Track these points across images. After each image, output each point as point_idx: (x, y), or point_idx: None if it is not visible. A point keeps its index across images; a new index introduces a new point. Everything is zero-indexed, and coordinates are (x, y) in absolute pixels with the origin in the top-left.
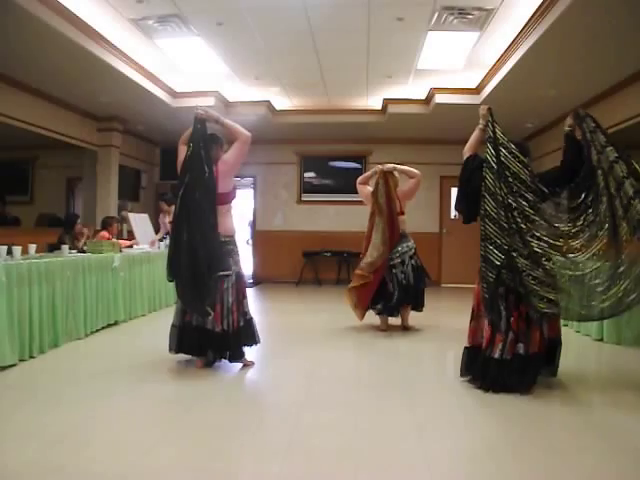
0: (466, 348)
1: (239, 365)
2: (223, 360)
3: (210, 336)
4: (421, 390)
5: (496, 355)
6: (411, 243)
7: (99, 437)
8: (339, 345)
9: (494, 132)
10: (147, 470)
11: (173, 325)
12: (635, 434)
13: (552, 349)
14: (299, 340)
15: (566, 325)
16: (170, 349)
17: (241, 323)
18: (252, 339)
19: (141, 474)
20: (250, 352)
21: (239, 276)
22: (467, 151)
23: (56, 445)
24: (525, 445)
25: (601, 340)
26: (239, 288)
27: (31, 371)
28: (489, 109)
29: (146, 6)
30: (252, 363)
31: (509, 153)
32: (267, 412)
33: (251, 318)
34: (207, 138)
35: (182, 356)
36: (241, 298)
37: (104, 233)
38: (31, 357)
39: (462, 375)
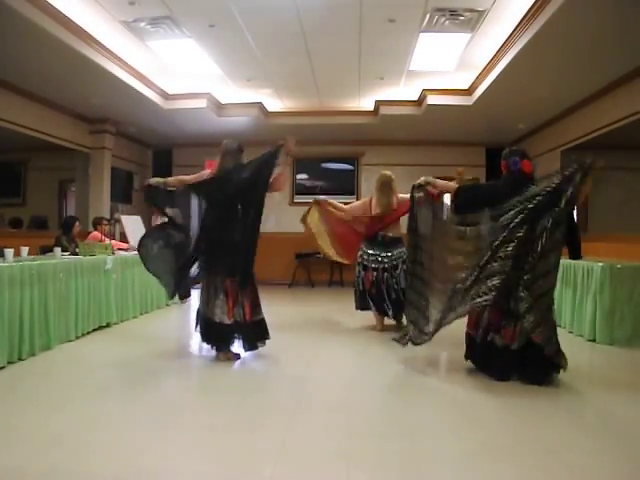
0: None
1: (233, 366)
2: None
3: (242, 327)
4: (415, 390)
5: (514, 346)
6: (404, 249)
7: (92, 439)
8: (332, 346)
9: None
10: (140, 471)
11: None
12: (629, 434)
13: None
14: (292, 341)
15: (559, 325)
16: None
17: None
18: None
19: (134, 475)
20: (246, 352)
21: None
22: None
23: (49, 447)
24: (520, 445)
25: (593, 340)
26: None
27: (21, 373)
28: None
29: (138, 8)
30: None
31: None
32: (260, 413)
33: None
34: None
35: (174, 356)
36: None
37: (96, 233)
38: (20, 359)
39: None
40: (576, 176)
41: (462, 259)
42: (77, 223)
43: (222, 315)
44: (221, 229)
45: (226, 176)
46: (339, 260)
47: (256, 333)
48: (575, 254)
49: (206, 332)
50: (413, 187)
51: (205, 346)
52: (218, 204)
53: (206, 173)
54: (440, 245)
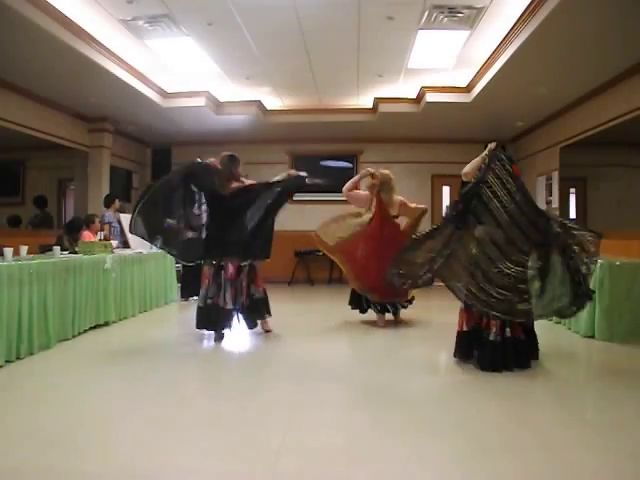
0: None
1: (232, 363)
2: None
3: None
4: (414, 388)
5: (491, 338)
6: None
7: (92, 437)
8: (332, 343)
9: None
10: (139, 470)
11: (198, 306)
12: (631, 432)
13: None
14: (292, 339)
15: (559, 323)
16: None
17: (247, 302)
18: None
19: (133, 474)
20: (245, 348)
21: (252, 266)
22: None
23: (48, 446)
24: (520, 442)
25: (593, 337)
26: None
27: (19, 372)
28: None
29: (136, 6)
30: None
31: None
32: (260, 411)
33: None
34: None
35: (173, 354)
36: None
37: (86, 233)
38: (18, 358)
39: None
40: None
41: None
42: (84, 227)
43: (224, 301)
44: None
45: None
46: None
47: (255, 312)
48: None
49: (209, 318)
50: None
51: (204, 343)
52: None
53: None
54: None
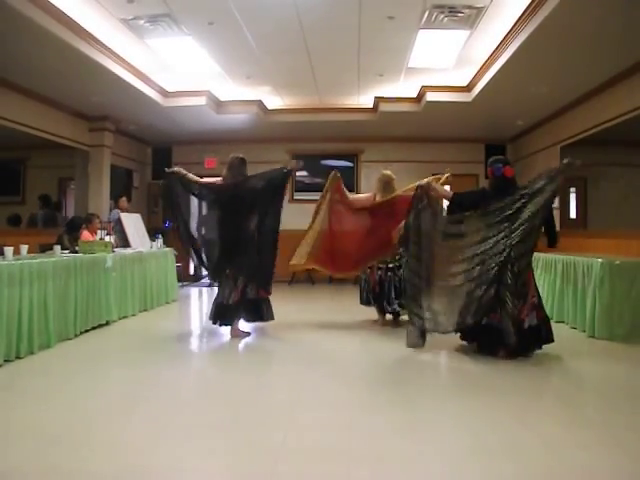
0: None
1: (231, 363)
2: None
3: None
4: (415, 387)
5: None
6: None
7: (93, 437)
8: (332, 343)
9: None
10: (141, 469)
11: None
12: (630, 429)
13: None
14: (292, 339)
15: (562, 321)
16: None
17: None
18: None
19: (135, 474)
20: (246, 347)
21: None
22: None
23: (49, 446)
24: (519, 442)
25: (593, 336)
26: None
27: (19, 372)
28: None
29: (137, 6)
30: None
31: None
32: (261, 410)
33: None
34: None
35: (173, 353)
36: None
37: (85, 233)
38: (18, 358)
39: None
40: (557, 177)
41: (457, 254)
42: (84, 225)
43: (229, 297)
44: (234, 232)
45: (239, 186)
46: (307, 266)
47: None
48: (551, 242)
49: (220, 314)
50: (417, 187)
51: (205, 342)
52: (231, 210)
53: (217, 180)
54: (439, 243)
